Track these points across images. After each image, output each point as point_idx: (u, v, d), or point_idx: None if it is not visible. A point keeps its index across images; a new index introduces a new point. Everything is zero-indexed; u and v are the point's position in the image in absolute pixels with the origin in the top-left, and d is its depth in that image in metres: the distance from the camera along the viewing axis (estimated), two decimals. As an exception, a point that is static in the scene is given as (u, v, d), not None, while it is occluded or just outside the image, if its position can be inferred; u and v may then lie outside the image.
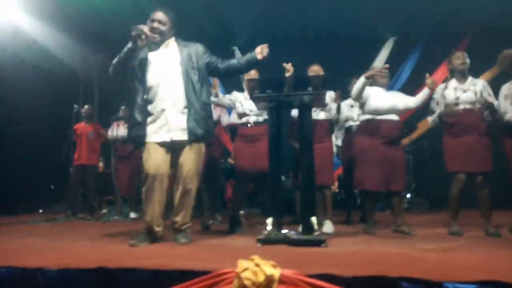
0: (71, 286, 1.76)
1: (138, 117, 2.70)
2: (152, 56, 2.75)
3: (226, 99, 3.59)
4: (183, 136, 2.66)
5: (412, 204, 5.97)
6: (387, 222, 3.58)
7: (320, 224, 3.22)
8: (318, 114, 3.52)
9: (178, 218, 2.71)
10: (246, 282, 1.52)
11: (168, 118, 2.65)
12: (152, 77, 2.71)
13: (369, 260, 1.97)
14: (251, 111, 3.43)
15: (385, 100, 3.24)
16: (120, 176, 5.20)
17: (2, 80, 5.94)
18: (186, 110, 2.68)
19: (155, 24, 2.71)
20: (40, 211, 6.47)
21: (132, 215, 5.16)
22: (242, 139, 3.50)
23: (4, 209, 5.48)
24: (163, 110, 2.66)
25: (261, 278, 1.53)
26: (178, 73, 2.71)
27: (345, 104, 4.07)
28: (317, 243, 2.39)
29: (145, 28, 2.68)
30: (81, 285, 1.75)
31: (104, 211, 6.35)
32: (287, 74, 3.28)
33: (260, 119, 3.45)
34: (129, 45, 2.70)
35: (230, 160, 4.97)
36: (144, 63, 2.72)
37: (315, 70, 3.47)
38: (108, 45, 7.21)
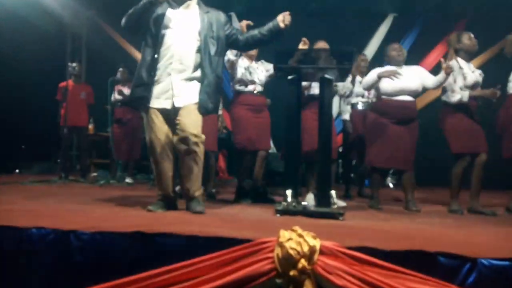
0: (105, 249, 1.75)
1: (144, 75, 2.57)
2: (170, 13, 2.59)
3: (242, 68, 3.50)
4: (185, 102, 2.55)
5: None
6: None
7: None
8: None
9: (188, 185, 2.60)
10: (292, 252, 1.56)
11: (173, 83, 2.55)
12: (167, 36, 2.56)
13: (399, 234, 2.03)
14: (259, 79, 3.42)
15: (395, 82, 3.25)
16: (118, 140, 5.09)
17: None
18: (196, 81, 2.58)
19: None
20: (17, 171, 6.33)
21: (128, 180, 5.10)
22: (247, 108, 3.46)
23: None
24: (169, 74, 2.55)
25: (305, 248, 1.57)
26: (195, 40, 2.59)
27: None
28: (336, 215, 2.45)
29: None
30: (116, 249, 1.74)
31: (94, 174, 6.27)
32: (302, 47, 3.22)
33: (262, 89, 3.48)
34: None
35: (224, 130, 4.95)
36: (161, 19, 2.57)
37: (321, 46, 3.41)
38: (101, 2, 6.94)
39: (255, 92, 3.46)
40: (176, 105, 2.55)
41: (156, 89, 2.56)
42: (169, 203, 2.66)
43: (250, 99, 3.46)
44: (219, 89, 2.74)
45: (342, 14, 7.06)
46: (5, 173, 5.91)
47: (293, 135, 2.78)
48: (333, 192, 2.52)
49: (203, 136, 2.57)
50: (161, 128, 2.56)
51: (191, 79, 2.59)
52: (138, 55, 7.28)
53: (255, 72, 3.47)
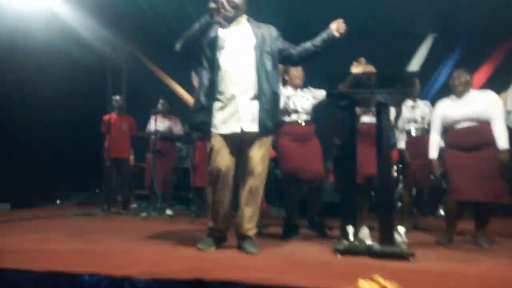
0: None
1: (203, 100, 2.44)
2: (223, 33, 2.50)
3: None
4: (254, 128, 2.41)
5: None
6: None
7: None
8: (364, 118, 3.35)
9: (244, 222, 2.43)
10: (376, 306, 1.35)
11: (239, 105, 2.40)
12: (223, 57, 2.46)
13: (493, 281, 1.77)
14: (302, 108, 3.27)
15: (455, 112, 3.03)
16: (157, 172, 5.04)
17: (34, 65, 5.80)
18: (256, 99, 2.41)
19: None
20: (58, 201, 6.44)
21: (168, 212, 5.01)
22: (291, 138, 3.30)
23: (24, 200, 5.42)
24: (233, 97, 2.41)
25: (391, 301, 1.36)
26: (252, 56, 2.46)
27: (405, 105, 3.84)
28: (405, 256, 2.20)
29: (213, 4, 2.39)
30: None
31: (134, 205, 6.26)
32: (356, 70, 3.07)
33: (309, 117, 3.30)
34: (203, 19, 2.41)
35: None
36: (214, 41, 2.47)
37: (364, 67, 3.19)
38: (140, 36, 7.15)
39: (299, 121, 3.31)
40: (245, 129, 2.40)
41: (223, 114, 2.42)
42: (220, 238, 2.51)
43: (294, 129, 3.31)
44: (277, 106, 2.57)
45: (381, 36, 6.90)
46: (47, 203, 6.04)
47: (349, 165, 2.59)
48: (401, 228, 2.28)
49: (267, 170, 2.47)
50: (226, 156, 2.41)
51: (254, 100, 2.44)
52: (176, 87, 7.50)
53: (299, 100, 3.33)
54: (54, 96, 6.12)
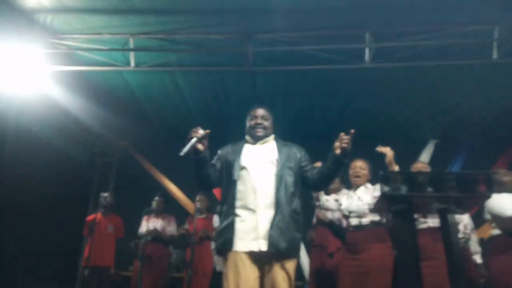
0: None
1: (226, 219, 2.33)
2: (247, 149, 2.51)
3: (331, 200, 2.95)
4: (274, 249, 2.22)
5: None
6: None
7: None
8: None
9: None
10: None
11: (259, 223, 2.25)
12: (247, 171, 2.39)
13: None
14: (350, 212, 2.78)
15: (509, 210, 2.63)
16: (144, 282, 4.25)
17: (16, 154, 5.27)
18: (273, 216, 2.26)
19: (259, 120, 2.53)
20: None
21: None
22: (346, 248, 2.77)
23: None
24: (254, 212, 2.28)
25: None
26: (273, 172, 2.39)
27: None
28: None
29: (199, 130, 2.31)
30: None
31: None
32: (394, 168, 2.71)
33: (364, 221, 2.77)
34: (193, 157, 2.34)
35: None
36: (237, 157, 2.44)
37: (419, 167, 2.89)
38: (135, 131, 6.84)
39: (350, 229, 2.80)
40: (262, 248, 2.21)
41: (242, 231, 2.26)
42: None
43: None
44: (297, 227, 2.33)
45: (380, 140, 6.82)
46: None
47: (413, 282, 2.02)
48: None
49: None
50: (248, 275, 2.18)
51: (272, 215, 2.28)
52: (169, 184, 6.97)
53: (343, 202, 2.90)
54: (35, 184, 5.49)
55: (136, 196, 5.63)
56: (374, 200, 2.86)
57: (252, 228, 2.25)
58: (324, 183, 2.47)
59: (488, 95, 5.38)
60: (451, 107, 5.90)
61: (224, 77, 5.01)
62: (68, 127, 6.02)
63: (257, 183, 2.33)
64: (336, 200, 2.93)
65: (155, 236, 4.41)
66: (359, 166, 3.05)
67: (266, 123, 2.54)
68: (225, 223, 2.30)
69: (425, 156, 7.03)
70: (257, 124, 2.50)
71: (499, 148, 6.69)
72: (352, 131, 2.26)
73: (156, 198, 4.67)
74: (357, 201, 2.88)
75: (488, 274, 2.68)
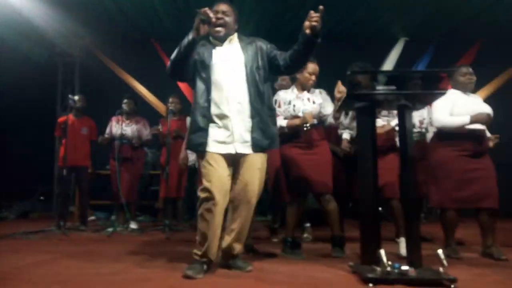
0: None
1: (200, 121, 2.34)
2: (216, 53, 2.40)
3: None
4: (247, 149, 2.33)
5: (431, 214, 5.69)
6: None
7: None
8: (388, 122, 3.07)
9: (234, 241, 2.36)
10: None
11: (233, 127, 2.31)
12: (217, 77, 2.35)
13: None
14: (304, 112, 2.91)
15: (467, 107, 2.83)
16: (123, 180, 4.46)
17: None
18: (250, 119, 2.31)
19: (219, 15, 2.36)
20: None
21: (133, 225, 4.46)
22: (296, 145, 2.96)
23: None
24: (227, 117, 2.31)
25: None
26: (243, 75, 2.35)
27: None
28: (447, 282, 1.91)
29: (211, 13, 2.21)
30: None
31: (92, 217, 5.58)
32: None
33: (315, 120, 2.93)
34: (190, 35, 2.23)
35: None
36: (208, 61, 2.37)
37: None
38: (100, 32, 6.41)
39: (304, 128, 2.89)
40: (238, 151, 2.31)
41: (217, 134, 2.31)
42: (208, 263, 2.29)
43: (296, 135, 2.95)
44: (274, 122, 2.46)
45: (352, 39, 6.79)
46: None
47: (370, 177, 2.27)
48: (440, 252, 1.99)
49: (261, 188, 2.41)
50: (221, 175, 2.28)
51: (248, 120, 2.33)
52: (137, 85, 6.85)
53: (301, 104, 2.97)
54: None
55: (104, 98, 5.54)
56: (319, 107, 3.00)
57: (227, 134, 2.29)
58: (298, 66, 2.45)
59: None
60: (419, 5, 5.82)
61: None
62: (23, 25, 5.57)
63: (229, 90, 2.31)
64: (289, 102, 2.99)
65: (133, 141, 4.50)
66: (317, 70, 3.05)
67: (228, 19, 2.37)
68: (200, 126, 2.31)
69: (394, 54, 7.12)
70: (217, 19, 2.31)
71: (466, 46, 6.84)
72: (321, 7, 2.07)
73: (125, 100, 4.60)
74: (311, 103, 2.98)
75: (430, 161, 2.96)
